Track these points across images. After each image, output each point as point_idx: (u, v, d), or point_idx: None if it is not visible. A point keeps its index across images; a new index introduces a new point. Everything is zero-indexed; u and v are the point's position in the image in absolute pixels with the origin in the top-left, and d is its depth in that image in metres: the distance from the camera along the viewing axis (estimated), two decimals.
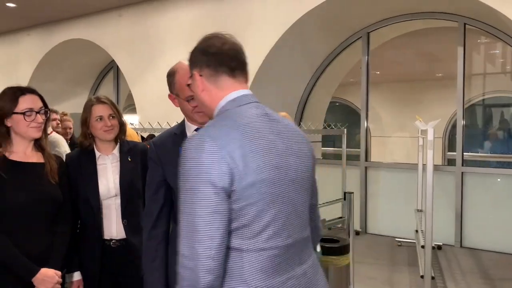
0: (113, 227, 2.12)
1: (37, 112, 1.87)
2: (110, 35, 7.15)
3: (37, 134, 1.89)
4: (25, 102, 1.85)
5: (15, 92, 1.87)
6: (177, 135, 1.72)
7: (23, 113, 1.84)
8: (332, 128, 5.68)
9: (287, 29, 5.38)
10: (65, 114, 4.75)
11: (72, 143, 4.21)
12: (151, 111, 6.38)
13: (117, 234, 2.11)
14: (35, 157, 1.92)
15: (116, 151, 2.18)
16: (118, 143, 2.19)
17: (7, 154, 1.87)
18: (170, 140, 1.70)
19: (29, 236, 1.82)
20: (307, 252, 1.32)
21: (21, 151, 1.89)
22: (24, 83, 7.30)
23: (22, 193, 1.82)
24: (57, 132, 4.18)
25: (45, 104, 1.93)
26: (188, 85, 1.36)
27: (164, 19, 6.45)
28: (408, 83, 9.99)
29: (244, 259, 1.18)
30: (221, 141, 1.15)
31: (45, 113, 1.91)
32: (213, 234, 1.11)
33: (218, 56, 1.26)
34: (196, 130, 1.67)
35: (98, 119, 2.12)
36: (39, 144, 1.94)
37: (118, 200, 2.12)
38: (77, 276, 2.09)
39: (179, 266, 1.14)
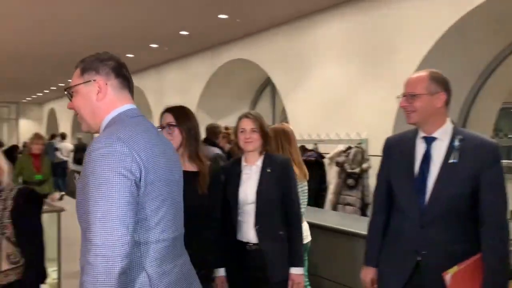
0: (250, 231, 2.32)
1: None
2: (266, 53, 7.64)
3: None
4: None
5: None
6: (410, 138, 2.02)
7: None
8: (501, 137, 5.06)
9: (444, 33, 5.02)
10: (228, 128, 5.22)
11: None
12: (302, 124, 6.60)
13: (252, 238, 2.30)
14: (191, 166, 2.21)
15: (259, 162, 2.37)
16: (263, 155, 2.38)
17: None
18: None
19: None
20: (183, 245, 1.53)
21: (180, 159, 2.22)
22: (195, 101, 8.24)
23: None
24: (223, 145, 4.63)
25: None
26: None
27: (315, 33, 6.63)
28: None
29: (142, 250, 1.33)
30: (129, 142, 1.31)
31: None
32: (128, 222, 1.24)
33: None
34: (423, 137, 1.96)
35: (241, 131, 2.34)
36: (197, 155, 2.22)
37: (254, 207, 2.31)
38: (221, 272, 2.33)
39: (89, 256, 1.22)
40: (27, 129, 20.34)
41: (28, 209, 2.10)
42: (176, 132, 2.19)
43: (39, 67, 11.62)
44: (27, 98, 21.34)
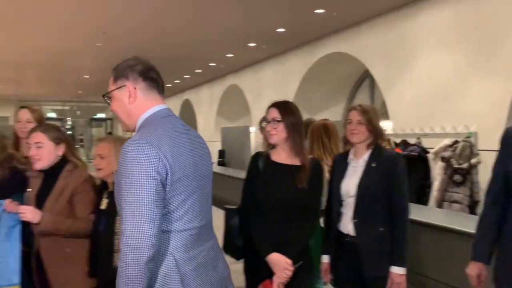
0: (348, 224, 2.33)
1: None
2: (364, 45, 7.45)
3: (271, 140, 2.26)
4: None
5: None
6: None
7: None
8: None
9: None
10: None
11: None
12: (404, 117, 6.32)
13: (351, 231, 2.32)
14: (294, 160, 2.26)
15: (366, 156, 2.36)
16: (371, 149, 2.36)
17: (273, 156, 2.29)
18: None
19: (276, 225, 2.17)
20: (211, 231, 1.67)
21: (283, 154, 2.28)
22: (291, 97, 8.34)
23: (274, 191, 2.19)
24: None
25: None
26: None
27: (418, 21, 6.30)
28: None
29: (170, 238, 1.49)
30: (157, 145, 1.44)
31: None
32: (154, 217, 1.40)
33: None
34: None
35: (348, 122, 2.36)
36: (300, 149, 2.27)
37: (354, 201, 2.30)
38: (325, 259, 2.42)
39: (122, 245, 1.40)
40: None
41: None
42: (281, 127, 2.24)
43: None
44: None
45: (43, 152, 2.25)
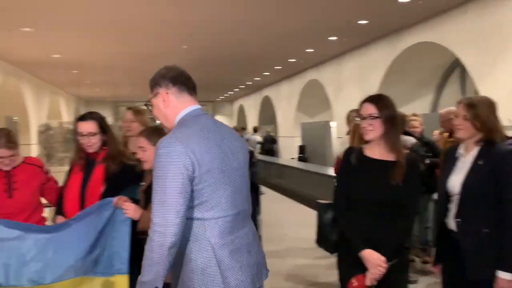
0: (452, 222, 2.23)
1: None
2: (454, 33, 7.01)
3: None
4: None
5: None
6: None
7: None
8: None
9: None
10: (415, 115, 4.96)
11: (423, 142, 4.45)
12: (501, 108, 5.86)
13: (454, 228, 2.22)
14: (389, 156, 2.19)
15: (474, 152, 2.23)
16: (479, 146, 2.22)
17: (366, 152, 2.24)
18: None
19: (369, 222, 2.14)
20: (247, 220, 1.81)
21: (377, 149, 2.22)
22: (373, 90, 8.09)
23: (368, 187, 2.16)
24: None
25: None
26: None
27: None
28: None
29: (206, 225, 1.66)
30: (185, 142, 1.62)
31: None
32: (179, 208, 1.58)
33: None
34: None
35: (455, 116, 2.27)
36: (396, 145, 2.19)
37: (458, 199, 2.20)
38: (435, 251, 2.39)
39: (151, 231, 1.58)
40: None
41: None
42: (378, 123, 2.16)
43: (231, 67, 12.95)
44: (220, 97, 23.97)
45: (147, 155, 2.40)
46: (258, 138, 15.17)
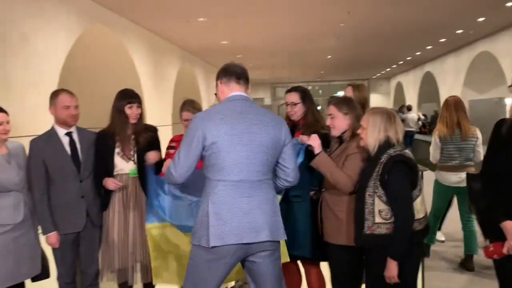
0: None
1: None
2: None
3: None
4: None
5: None
6: None
7: None
8: None
9: None
10: None
11: None
12: None
13: None
14: None
15: None
16: None
17: None
18: None
19: None
20: (255, 191, 2.18)
21: None
22: None
23: None
24: None
25: None
26: None
27: None
28: None
29: (213, 184, 2.18)
30: (203, 118, 2.21)
31: None
32: (187, 163, 2.19)
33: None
34: None
35: None
36: None
37: None
38: None
39: (168, 171, 2.25)
40: (376, 103, 22.23)
41: (393, 174, 2.36)
42: None
43: (390, 42, 12.47)
44: (376, 74, 23.25)
45: (336, 122, 2.67)
46: (415, 116, 14.51)
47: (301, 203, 2.82)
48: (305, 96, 3.01)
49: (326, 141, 2.81)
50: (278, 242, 2.26)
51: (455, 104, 4.11)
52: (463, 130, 4.03)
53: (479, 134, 4.10)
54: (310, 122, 2.97)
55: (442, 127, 4.12)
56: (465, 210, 4.22)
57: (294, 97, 3.00)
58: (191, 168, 2.20)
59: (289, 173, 2.31)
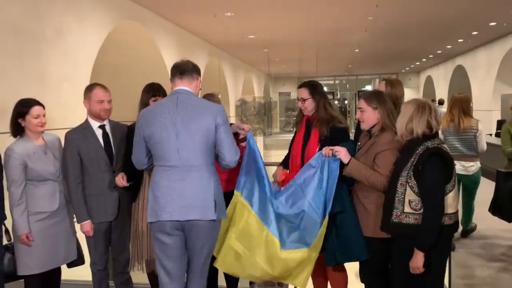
0: None
1: None
2: None
3: None
4: None
5: None
6: None
7: None
8: None
9: None
10: None
11: None
12: None
13: None
14: None
15: None
16: None
17: None
18: None
19: None
20: (189, 175, 2.47)
21: None
22: None
23: None
24: None
25: None
26: None
27: None
28: None
29: (155, 169, 2.55)
30: (141, 115, 2.57)
31: None
32: (136, 154, 2.61)
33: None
34: None
35: None
36: None
37: None
38: None
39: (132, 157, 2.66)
40: (405, 97, 21.73)
41: (428, 166, 2.35)
42: None
43: (420, 35, 12.22)
44: (406, 68, 22.82)
45: (365, 116, 2.70)
46: (444, 110, 14.18)
47: (345, 213, 2.73)
48: (314, 91, 3.00)
49: (345, 134, 2.86)
50: (213, 220, 2.47)
51: (453, 102, 4.75)
52: (455, 123, 4.58)
53: (479, 126, 4.53)
54: (322, 117, 2.97)
55: (443, 121, 4.70)
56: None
57: (303, 92, 3.02)
58: (143, 157, 2.61)
59: (224, 156, 2.50)
